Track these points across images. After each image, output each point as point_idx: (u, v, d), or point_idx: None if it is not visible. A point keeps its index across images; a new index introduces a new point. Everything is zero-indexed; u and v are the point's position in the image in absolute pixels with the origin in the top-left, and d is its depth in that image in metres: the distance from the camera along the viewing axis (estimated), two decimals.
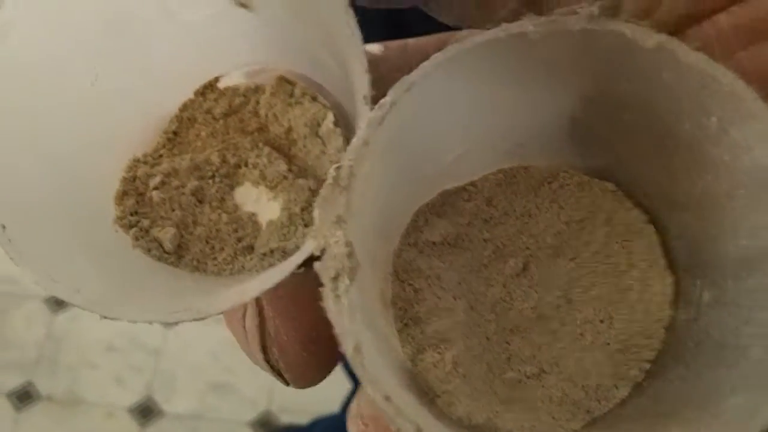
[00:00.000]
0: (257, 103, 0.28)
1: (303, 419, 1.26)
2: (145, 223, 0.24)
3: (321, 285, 0.20)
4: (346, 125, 0.27)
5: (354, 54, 0.19)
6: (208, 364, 1.37)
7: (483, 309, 0.22)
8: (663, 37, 0.17)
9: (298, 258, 0.19)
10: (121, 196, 0.25)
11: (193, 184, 0.26)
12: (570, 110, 0.21)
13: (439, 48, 0.23)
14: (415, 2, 0.19)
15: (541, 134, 0.22)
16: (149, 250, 0.24)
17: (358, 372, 0.17)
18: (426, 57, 0.23)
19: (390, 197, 0.21)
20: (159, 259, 0.24)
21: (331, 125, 0.26)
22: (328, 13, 0.20)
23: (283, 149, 0.27)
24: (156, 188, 0.25)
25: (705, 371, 0.20)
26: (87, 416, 1.32)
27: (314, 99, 0.27)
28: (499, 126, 0.22)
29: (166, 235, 0.24)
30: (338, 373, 0.25)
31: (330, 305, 0.17)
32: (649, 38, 0.17)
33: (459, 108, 0.20)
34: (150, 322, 0.19)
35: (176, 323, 0.19)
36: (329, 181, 0.18)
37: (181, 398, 1.34)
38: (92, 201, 0.24)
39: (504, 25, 0.18)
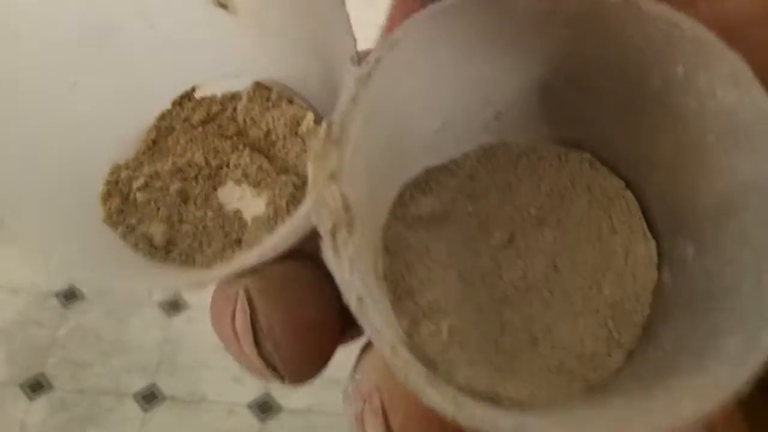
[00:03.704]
0: (234, 109, 0.28)
1: None
2: (132, 221, 0.24)
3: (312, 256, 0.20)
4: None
5: (339, 20, 0.20)
6: None
7: (473, 280, 0.22)
8: None
9: (298, 219, 0.20)
10: (106, 196, 0.25)
11: (176, 185, 0.26)
12: (541, 77, 0.22)
13: None
14: None
15: (516, 104, 0.23)
16: (137, 245, 0.24)
17: (363, 322, 0.17)
18: None
19: (376, 168, 0.21)
20: (147, 254, 0.24)
21: (312, 123, 0.27)
22: None
23: (263, 151, 0.28)
24: (139, 189, 0.25)
25: (698, 322, 0.20)
26: (209, 413, 1.37)
27: (290, 102, 0.28)
28: (476, 95, 0.22)
29: (157, 229, 0.24)
30: None
31: (330, 257, 0.17)
32: None
33: (439, 71, 0.21)
34: (149, 292, 0.19)
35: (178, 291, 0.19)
36: (321, 136, 0.18)
37: (298, 394, 1.38)
38: (79, 202, 0.24)
39: None
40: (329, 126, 0.18)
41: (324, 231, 0.17)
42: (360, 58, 0.19)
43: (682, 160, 0.20)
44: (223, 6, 0.26)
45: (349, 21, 0.20)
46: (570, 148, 0.24)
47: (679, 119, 0.19)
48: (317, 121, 0.27)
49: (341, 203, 0.17)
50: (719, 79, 0.18)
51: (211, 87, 0.29)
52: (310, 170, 0.18)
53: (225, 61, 0.28)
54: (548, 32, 0.20)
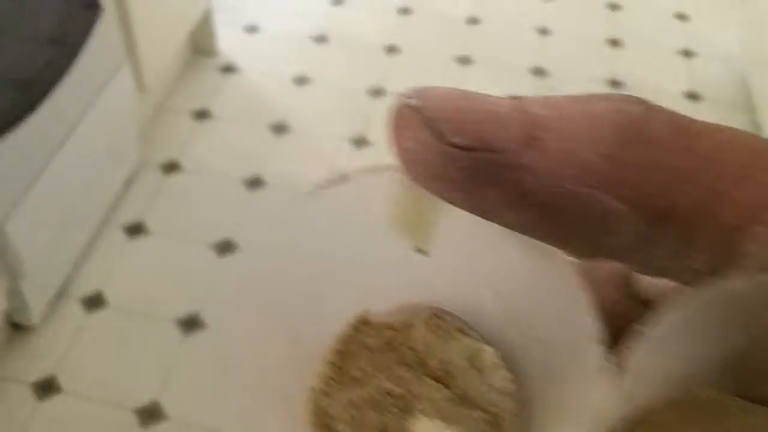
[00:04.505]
0: (409, 337, 0.30)
1: None
2: None
3: None
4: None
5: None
6: None
7: None
8: None
9: None
10: (314, 429, 0.26)
11: (372, 416, 0.27)
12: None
13: None
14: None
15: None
16: None
17: None
18: None
19: None
20: None
21: (496, 359, 0.28)
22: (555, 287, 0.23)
23: (443, 381, 0.29)
24: (345, 423, 0.26)
25: None
26: None
27: (463, 333, 0.30)
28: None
29: None
30: None
31: None
32: None
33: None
34: None
35: None
36: None
37: None
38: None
39: (723, 282, 0.21)
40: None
41: None
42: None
43: None
44: (422, 252, 0.28)
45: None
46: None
47: None
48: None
49: None
50: None
51: (383, 314, 0.30)
52: None
53: (400, 291, 0.30)
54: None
